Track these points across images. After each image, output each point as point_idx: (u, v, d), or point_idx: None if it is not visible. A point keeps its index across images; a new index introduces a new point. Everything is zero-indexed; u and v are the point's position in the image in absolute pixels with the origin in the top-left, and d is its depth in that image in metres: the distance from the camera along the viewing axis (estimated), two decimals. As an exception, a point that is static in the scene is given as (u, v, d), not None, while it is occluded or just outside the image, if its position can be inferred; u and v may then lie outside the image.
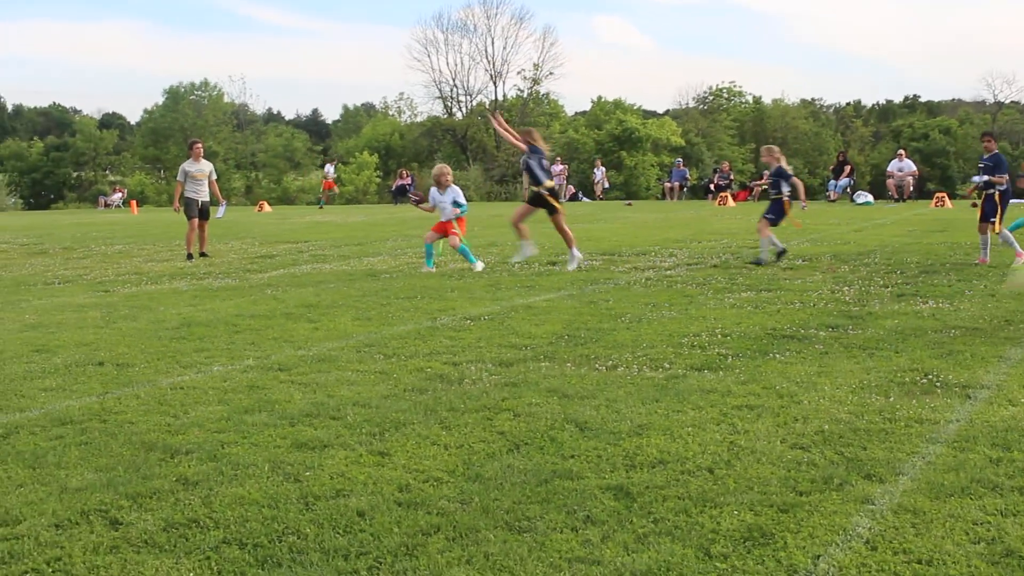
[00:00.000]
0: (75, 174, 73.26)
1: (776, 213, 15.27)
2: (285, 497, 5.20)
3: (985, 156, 14.84)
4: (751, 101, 75.68)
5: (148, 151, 71.68)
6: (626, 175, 59.23)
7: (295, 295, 12.66)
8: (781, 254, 14.94)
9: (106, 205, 55.37)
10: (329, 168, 47.32)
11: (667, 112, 75.67)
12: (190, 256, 18.36)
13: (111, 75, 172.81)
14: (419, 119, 70.06)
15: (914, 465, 5.51)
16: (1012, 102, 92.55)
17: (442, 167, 15.92)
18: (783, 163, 15.70)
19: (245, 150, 71.31)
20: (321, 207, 43.02)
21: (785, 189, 15.38)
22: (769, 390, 7.20)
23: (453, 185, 15.54)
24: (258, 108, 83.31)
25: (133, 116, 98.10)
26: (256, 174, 69.77)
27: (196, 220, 18.67)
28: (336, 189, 49.33)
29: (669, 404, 6.89)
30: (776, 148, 16.40)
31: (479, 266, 15.37)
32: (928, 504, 4.93)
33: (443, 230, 15.59)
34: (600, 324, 10.00)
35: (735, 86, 76.12)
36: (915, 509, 4.88)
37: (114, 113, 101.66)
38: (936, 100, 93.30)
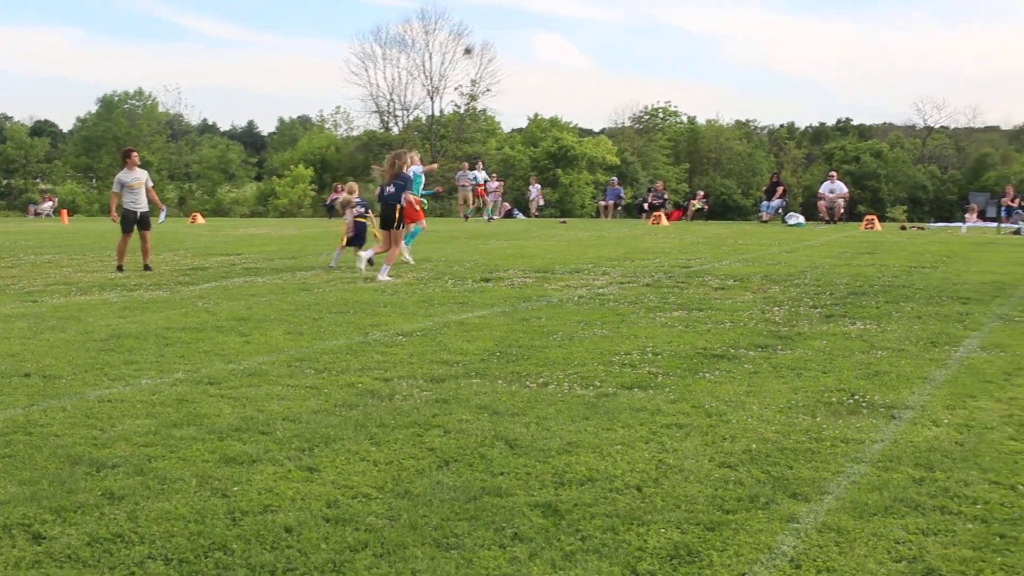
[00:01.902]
0: (4, 182, 72.32)
1: None
2: (212, 512, 5.16)
3: None
4: (686, 121, 76.38)
5: (80, 160, 70.98)
6: (561, 193, 59.54)
7: (227, 308, 12.57)
8: None
9: (36, 214, 54.61)
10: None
11: (603, 131, 76.13)
12: (120, 268, 18.15)
13: (43, 82, 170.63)
14: (355, 133, 69.96)
15: (839, 484, 5.58)
16: (941, 127, 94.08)
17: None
18: None
19: (179, 161, 70.80)
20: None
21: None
22: (698, 409, 7.26)
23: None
24: (193, 119, 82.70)
25: (66, 124, 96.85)
26: (190, 185, 69.28)
27: (130, 232, 18.46)
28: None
29: (599, 422, 6.93)
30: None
31: (407, 254, 17.05)
32: (852, 523, 5.00)
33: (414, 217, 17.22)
34: (532, 341, 10.02)
35: (670, 106, 76.84)
36: (839, 528, 4.94)
37: (46, 121, 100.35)
38: (868, 123, 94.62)
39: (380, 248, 17.03)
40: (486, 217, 37.42)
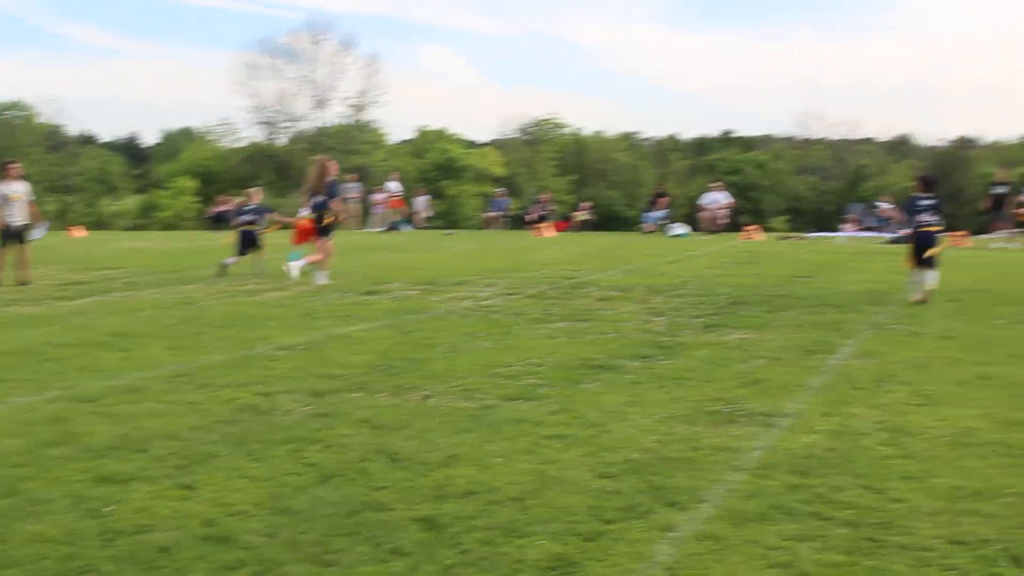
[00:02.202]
0: None
1: None
2: (84, 533, 5.06)
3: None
4: (572, 133, 76.88)
5: (-45, 172, 69.03)
6: (448, 204, 59.48)
7: (106, 323, 12.33)
8: None
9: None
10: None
11: (491, 142, 76.30)
12: (-4, 282, 17.68)
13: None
14: (240, 144, 69.12)
15: (716, 493, 5.67)
16: (821, 138, 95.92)
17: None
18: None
19: (59, 173, 69.29)
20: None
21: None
22: (580, 420, 7.31)
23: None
24: (73, 129, 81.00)
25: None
26: (70, 198, 67.84)
27: (7, 246, 18.00)
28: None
29: (481, 434, 6.94)
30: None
31: (295, 270, 17.05)
32: (728, 530, 5.08)
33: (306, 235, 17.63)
34: (415, 354, 10.00)
35: (557, 118, 77.26)
36: (715, 536, 5.02)
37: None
38: (751, 135, 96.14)
39: (315, 257, 17.33)
40: (395, 228, 37.37)
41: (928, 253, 13.90)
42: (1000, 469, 6.16)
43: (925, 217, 14.13)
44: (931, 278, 13.87)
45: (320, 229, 17.25)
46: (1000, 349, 10.26)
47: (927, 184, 14.60)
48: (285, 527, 5.15)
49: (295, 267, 17.15)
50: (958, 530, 5.11)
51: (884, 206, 35.82)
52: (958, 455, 6.45)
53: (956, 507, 5.45)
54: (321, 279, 16.62)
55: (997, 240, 29.63)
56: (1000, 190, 30.15)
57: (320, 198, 17.07)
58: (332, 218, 17.29)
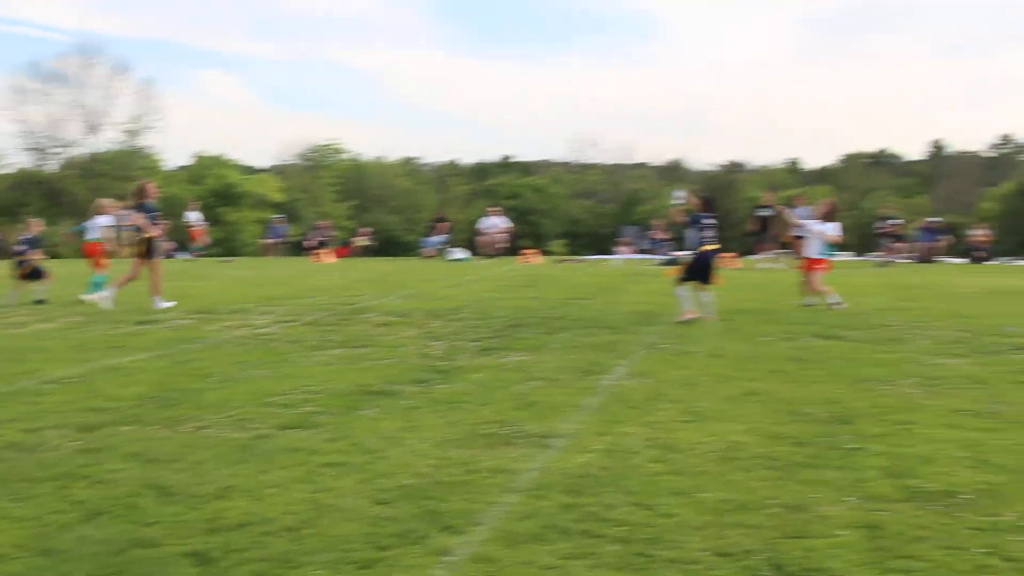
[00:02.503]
0: None
1: None
2: None
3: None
4: (352, 159, 76.61)
5: None
6: (226, 231, 58.42)
7: None
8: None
9: None
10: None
11: (270, 168, 75.33)
12: None
13: None
14: (8, 171, 66.33)
15: (492, 515, 5.69)
16: (597, 163, 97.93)
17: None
18: None
19: None
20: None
21: None
22: (356, 447, 7.26)
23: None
24: None
25: None
26: None
27: None
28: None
29: (255, 465, 6.82)
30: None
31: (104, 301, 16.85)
32: (503, 552, 5.12)
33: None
34: (189, 384, 9.77)
35: (337, 143, 76.90)
36: (490, 558, 5.04)
37: None
38: (529, 160, 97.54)
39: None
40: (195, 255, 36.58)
41: (711, 275, 14.43)
42: (765, 482, 6.38)
43: (707, 235, 14.62)
44: (707, 298, 14.36)
45: (143, 252, 17.15)
46: (765, 366, 10.66)
47: (708, 204, 15.07)
48: (48, 569, 4.95)
49: (101, 297, 16.82)
50: (724, 542, 5.27)
51: (657, 229, 36.78)
52: (725, 469, 6.66)
53: (723, 520, 5.62)
54: (159, 304, 16.75)
55: (763, 261, 30.82)
56: (766, 213, 31.36)
57: (124, 221, 17.12)
58: (147, 239, 16.99)
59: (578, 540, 5.30)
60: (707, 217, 14.75)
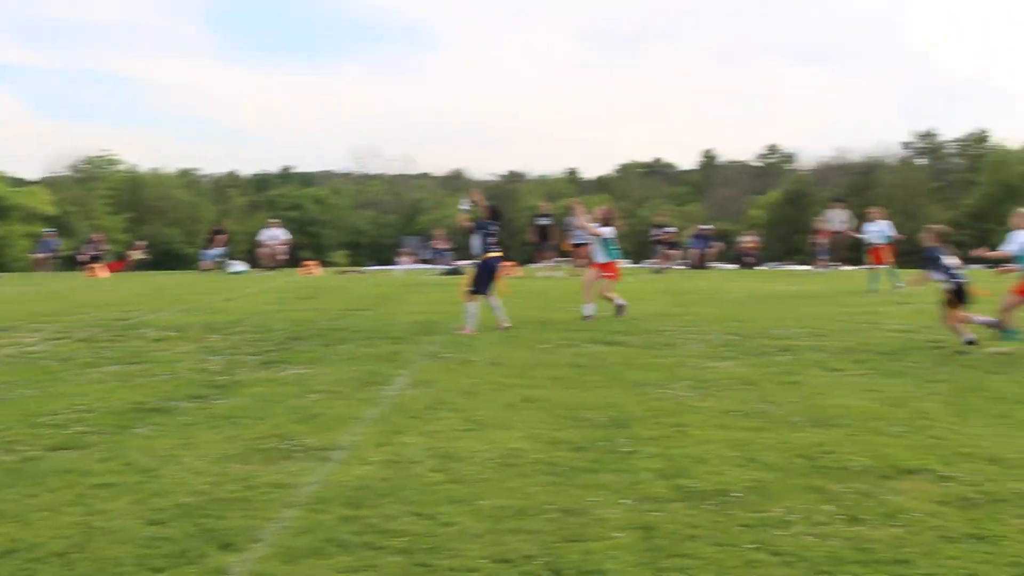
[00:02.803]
0: None
1: None
2: None
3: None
4: (127, 170, 74.53)
5: None
6: (-7, 246, 56.10)
7: None
8: None
9: None
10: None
11: (40, 180, 72.58)
12: None
13: None
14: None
15: (270, 531, 5.61)
16: (379, 174, 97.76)
17: None
18: None
19: None
20: None
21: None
22: (129, 466, 7.05)
23: None
24: None
25: None
26: None
27: None
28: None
29: (23, 489, 6.55)
30: None
31: None
32: (282, 569, 5.05)
33: None
34: (-50, 407, 9.32)
35: (111, 154, 74.69)
36: (269, 575, 4.97)
37: None
38: (310, 171, 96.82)
39: None
40: None
41: (495, 282, 14.58)
42: (543, 487, 6.47)
43: (492, 242, 14.77)
44: (496, 303, 14.48)
45: None
46: (545, 372, 10.82)
47: (493, 212, 15.22)
48: None
49: None
50: (503, 548, 5.32)
51: (438, 240, 36.92)
52: (504, 476, 6.72)
53: (502, 527, 5.67)
54: None
55: (543, 269, 31.27)
56: (545, 221, 31.85)
57: None
58: None
59: (358, 553, 5.27)
60: (493, 224, 14.91)
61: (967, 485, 6.53)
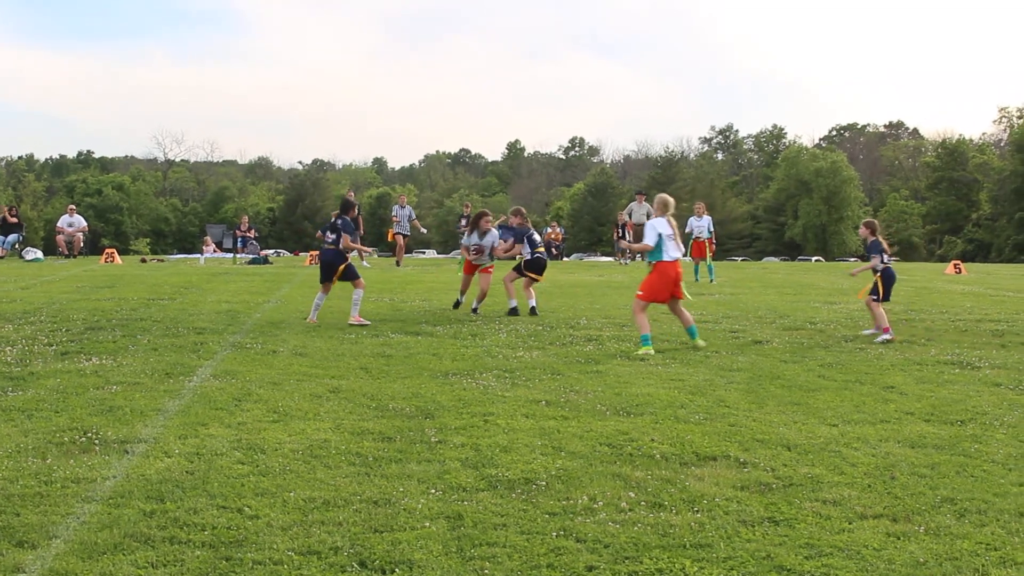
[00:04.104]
0: None
1: None
2: None
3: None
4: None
5: None
6: None
7: None
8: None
9: None
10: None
11: None
12: None
13: None
14: None
15: (68, 527, 5.45)
16: (182, 160, 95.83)
17: None
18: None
19: None
20: None
21: None
22: (-84, 462, 6.75)
23: None
24: None
25: None
26: None
27: None
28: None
29: None
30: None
31: None
32: (80, 565, 4.91)
33: None
34: None
35: None
36: (67, 572, 4.83)
37: None
38: (111, 156, 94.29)
39: None
40: None
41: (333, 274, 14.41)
42: (350, 478, 6.44)
43: (330, 236, 14.57)
44: (357, 296, 14.32)
45: None
46: (351, 363, 10.77)
47: (346, 207, 15.05)
48: None
49: None
50: (310, 540, 5.28)
51: (242, 226, 36.33)
52: (311, 467, 6.67)
53: (309, 518, 5.63)
54: None
55: (351, 259, 31.08)
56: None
57: None
58: None
59: (161, 548, 5.15)
60: (339, 219, 14.72)
61: (764, 470, 6.78)
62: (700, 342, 12.44)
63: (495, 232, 15.66)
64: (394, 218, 31.41)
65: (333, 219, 15.30)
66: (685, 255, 13.61)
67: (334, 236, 14.63)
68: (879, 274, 13.61)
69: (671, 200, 12.95)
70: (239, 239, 35.55)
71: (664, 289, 12.45)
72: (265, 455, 6.97)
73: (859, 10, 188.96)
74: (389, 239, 31.58)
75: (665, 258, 12.38)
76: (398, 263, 30.59)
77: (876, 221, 14.24)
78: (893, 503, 6.13)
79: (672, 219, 12.58)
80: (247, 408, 8.46)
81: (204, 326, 13.60)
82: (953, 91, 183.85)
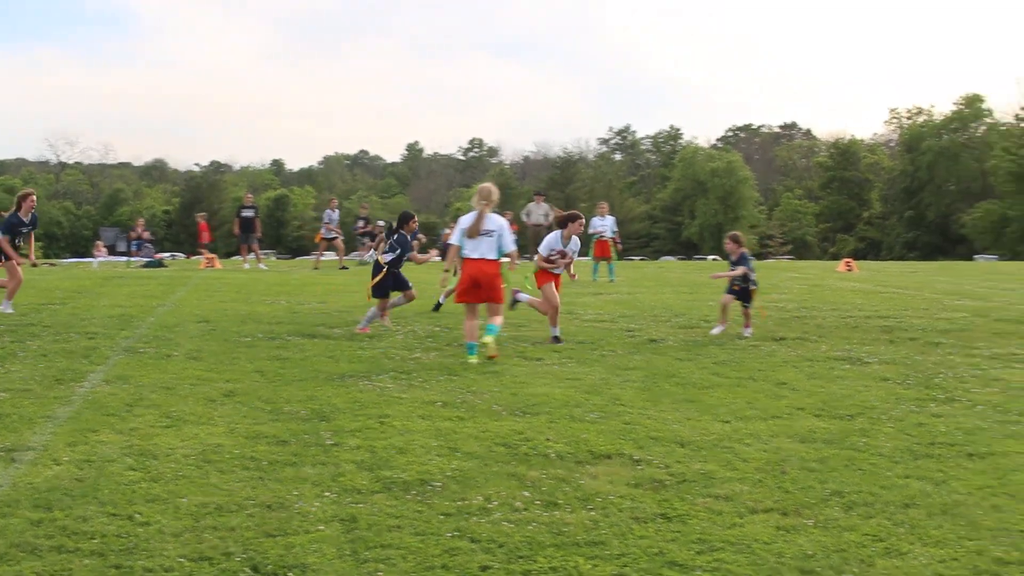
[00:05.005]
0: None
1: None
2: None
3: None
4: None
5: None
6: None
7: None
8: None
9: None
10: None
11: None
12: None
13: None
14: None
15: (-50, 538, 5.32)
16: (75, 163, 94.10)
17: None
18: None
19: None
20: None
21: None
22: None
23: None
24: None
25: None
26: None
27: None
28: None
29: None
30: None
31: None
32: (-36, 577, 4.80)
33: None
34: None
35: None
36: (-51, 584, 4.72)
37: None
38: (0, 159, 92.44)
39: None
40: None
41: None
42: (244, 482, 6.38)
43: (389, 255, 14.10)
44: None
45: None
46: (246, 366, 10.67)
47: (404, 219, 14.51)
48: None
49: None
50: (203, 546, 5.21)
51: (137, 229, 35.80)
52: (204, 472, 6.59)
53: (201, 524, 5.56)
54: None
55: (248, 261, 30.80)
56: (248, 214, 31.30)
57: None
58: None
59: (49, 557, 5.05)
60: (397, 234, 14.29)
61: (658, 467, 6.85)
62: (487, 339, 11.29)
63: (578, 240, 13.83)
64: (327, 224, 31.39)
65: (386, 232, 14.75)
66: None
67: (396, 253, 14.29)
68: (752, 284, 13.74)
69: (484, 189, 11.74)
70: (133, 242, 35.00)
71: (470, 288, 11.51)
72: (157, 461, 6.87)
73: (752, 13, 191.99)
74: (317, 240, 31.55)
75: (465, 255, 11.67)
76: (313, 261, 30.43)
77: (741, 234, 14.32)
78: (783, 497, 6.24)
79: (490, 212, 11.54)
80: (139, 413, 8.33)
81: (96, 331, 13.37)
82: (845, 93, 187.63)
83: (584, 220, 13.91)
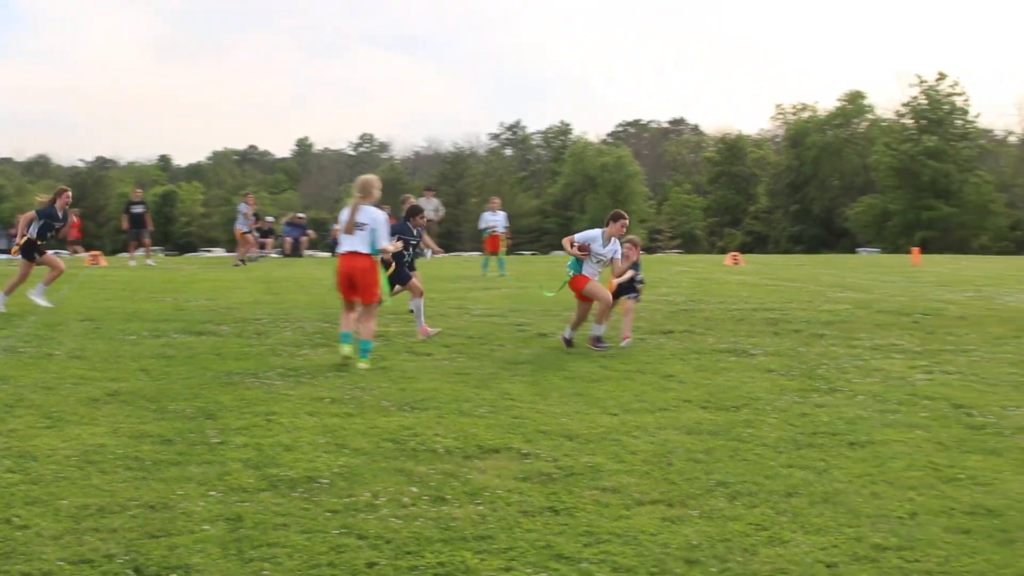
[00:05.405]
0: None
1: None
2: None
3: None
4: None
5: None
6: None
7: None
8: None
9: None
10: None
11: None
12: None
13: None
14: None
15: None
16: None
17: None
18: None
19: None
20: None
21: None
22: None
23: None
24: None
25: None
26: None
27: None
28: None
29: None
30: None
31: None
32: None
33: None
34: None
35: None
36: None
37: None
38: None
39: None
40: None
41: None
42: (127, 483, 6.27)
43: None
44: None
45: None
46: (130, 365, 10.49)
47: (412, 212, 13.96)
48: None
49: None
50: (83, 549, 5.12)
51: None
52: (85, 474, 6.47)
53: (82, 526, 5.46)
54: None
55: (135, 258, 30.26)
56: (137, 209, 30.68)
57: None
58: None
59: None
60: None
61: (546, 461, 6.89)
62: (361, 364, 10.63)
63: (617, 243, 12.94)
64: (245, 214, 30.96)
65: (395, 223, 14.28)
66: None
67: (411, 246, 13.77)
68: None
69: (360, 182, 11.32)
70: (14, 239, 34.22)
71: (344, 285, 11.01)
72: (37, 462, 6.72)
73: (639, 10, 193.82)
74: (238, 237, 31.13)
75: (337, 251, 11.34)
76: (243, 260, 29.96)
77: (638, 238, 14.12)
78: (669, 488, 6.31)
79: (366, 205, 11.04)
80: (19, 414, 8.13)
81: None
82: (731, 89, 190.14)
83: (627, 220, 12.95)
